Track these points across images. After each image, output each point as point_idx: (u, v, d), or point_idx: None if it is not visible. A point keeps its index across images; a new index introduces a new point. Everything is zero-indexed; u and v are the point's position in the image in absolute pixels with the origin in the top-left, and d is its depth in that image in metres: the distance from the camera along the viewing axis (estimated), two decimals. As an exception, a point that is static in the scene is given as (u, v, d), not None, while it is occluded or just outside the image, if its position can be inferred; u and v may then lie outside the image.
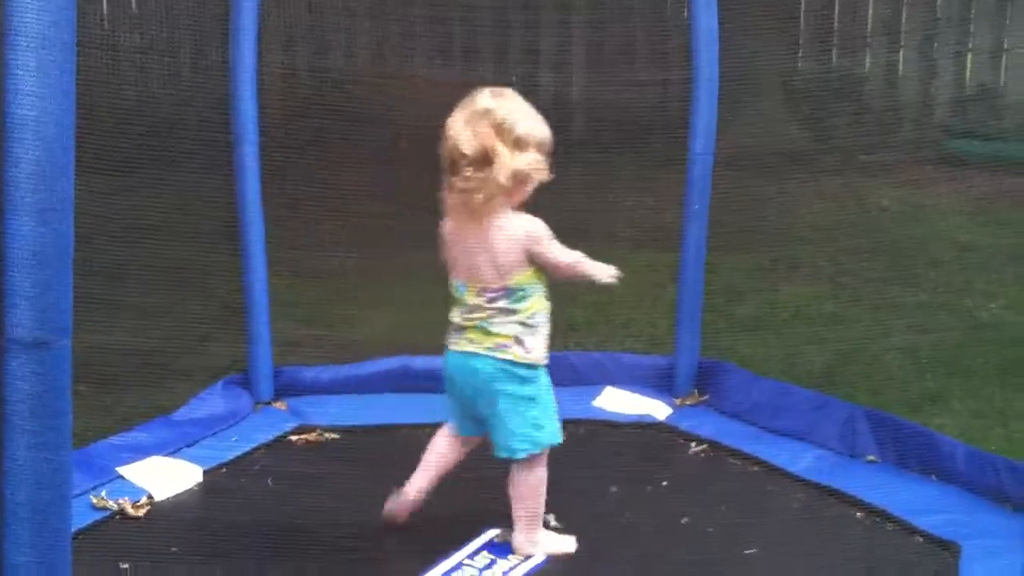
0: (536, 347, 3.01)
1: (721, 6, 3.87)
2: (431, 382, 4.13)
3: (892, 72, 5.16)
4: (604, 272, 3.09)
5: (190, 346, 4.16)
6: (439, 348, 4.28)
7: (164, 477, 3.43)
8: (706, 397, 4.14)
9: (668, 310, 4.30)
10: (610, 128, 5.97)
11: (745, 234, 4.91)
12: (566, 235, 5.28)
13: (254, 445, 3.72)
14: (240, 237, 3.89)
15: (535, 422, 3.02)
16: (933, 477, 3.47)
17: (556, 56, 6.74)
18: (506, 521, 3.15)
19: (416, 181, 4.80)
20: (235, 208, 3.86)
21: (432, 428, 3.86)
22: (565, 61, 6.75)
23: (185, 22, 4.88)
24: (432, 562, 2.99)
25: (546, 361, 3.05)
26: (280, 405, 4.03)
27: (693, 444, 3.83)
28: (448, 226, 3.02)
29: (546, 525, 3.21)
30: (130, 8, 6.06)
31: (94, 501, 3.25)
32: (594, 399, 4.14)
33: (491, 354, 2.98)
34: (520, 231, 2.96)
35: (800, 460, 3.62)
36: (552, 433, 3.06)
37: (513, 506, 3.08)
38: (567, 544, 3.13)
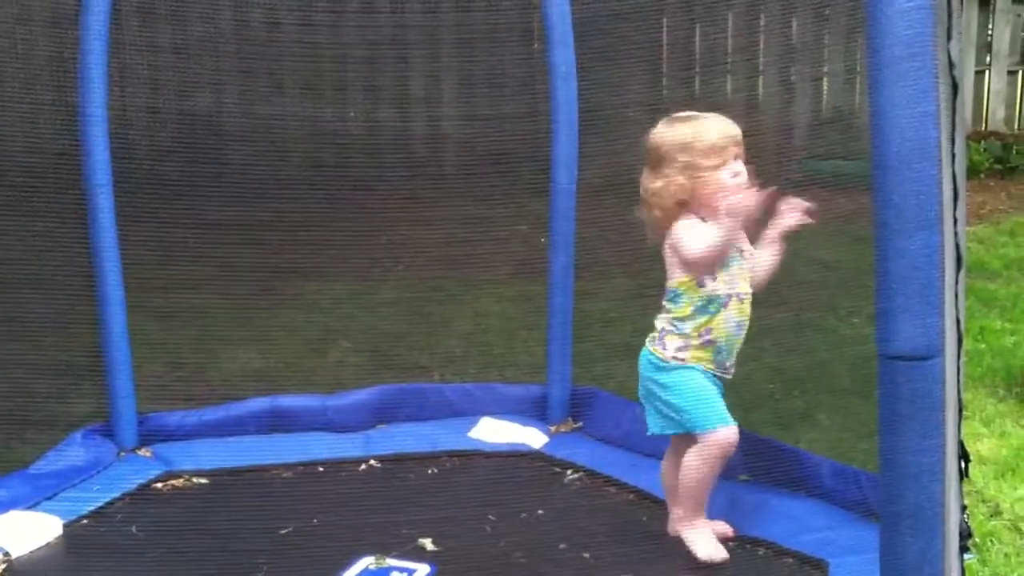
0: (671, 349, 3.18)
1: (580, 39, 3.92)
2: (299, 421, 4.11)
3: (752, 98, 5.30)
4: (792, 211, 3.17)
5: (52, 397, 4.02)
6: (307, 386, 4.26)
7: (21, 532, 3.31)
8: (580, 424, 4.16)
9: (543, 339, 4.32)
10: (483, 160, 6.00)
11: (618, 262, 4.95)
12: (442, 266, 5.29)
13: (117, 494, 3.61)
14: (95, 281, 3.79)
15: (669, 408, 3.20)
16: (803, 494, 3.53)
17: (425, 91, 6.76)
18: (379, 548, 3.15)
19: (281, 216, 4.79)
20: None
21: (303, 467, 3.86)
22: (435, 96, 6.76)
23: (37, 63, 4.75)
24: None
25: (689, 362, 3.18)
26: (145, 452, 3.91)
27: (569, 472, 3.84)
28: None
29: (422, 549, 3.21)
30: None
31: (-53, 563, 3.13)
32: (470, 430, 4.13)
33: (647, 344, 3.23)
34: (670, 235, 3.16)
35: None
36: (697, 420, 3.18)
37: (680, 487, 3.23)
38: (717, 551, 3.18)
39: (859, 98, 5.29)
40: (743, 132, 3.14)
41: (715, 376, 3.22)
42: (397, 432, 4.13)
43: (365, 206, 4.93)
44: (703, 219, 3.14)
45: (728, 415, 3.21)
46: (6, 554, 3.20)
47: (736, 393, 4.28)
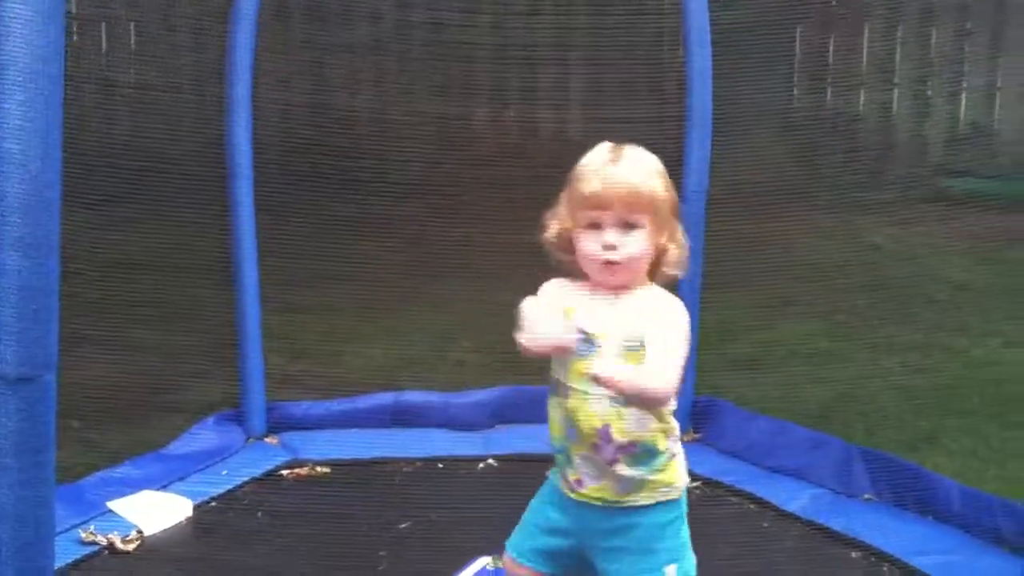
0: None
1: (715, 44, 3.89)
2: (421, 417, 4.16)
3: (886, 110, 5.18)
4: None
5: (183, 381, 4.14)
6: (429, 383, 4.29)
7: (154, 511, 3.42)
8: (700, 435, 4.12)
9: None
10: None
11: (739, 272, 4.88)
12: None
13: (244, 479, 3.70)
14: (233, 271, 3.89)
15: None
16: (930, 517, 3.45)
17: (553, 94, 6.76)
18: (496, 547, 3.14)
19: (413, 214, 4.84)
20: (227, 243, 3.86)
21: (423, 462, 3.89)
22: (562, 99, 6.76)
23: (180, 60, 4.89)
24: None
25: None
26: (272, 440, 4.01)
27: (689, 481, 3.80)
28: None
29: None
30: (128, 44, 6.10)
31: (83, 536, 3.23)
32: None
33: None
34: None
35: (796, 499, 3.60)
36: None
37: None
38: None
39: (998, 113, 5.15)
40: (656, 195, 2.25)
41: (563, 494, 2.36)
42: (516, 433, 4.14)
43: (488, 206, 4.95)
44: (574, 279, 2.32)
45: (513, 545, 2.53)
46: (139, 531, 3.30)
47: (862, 412, 4.23)
